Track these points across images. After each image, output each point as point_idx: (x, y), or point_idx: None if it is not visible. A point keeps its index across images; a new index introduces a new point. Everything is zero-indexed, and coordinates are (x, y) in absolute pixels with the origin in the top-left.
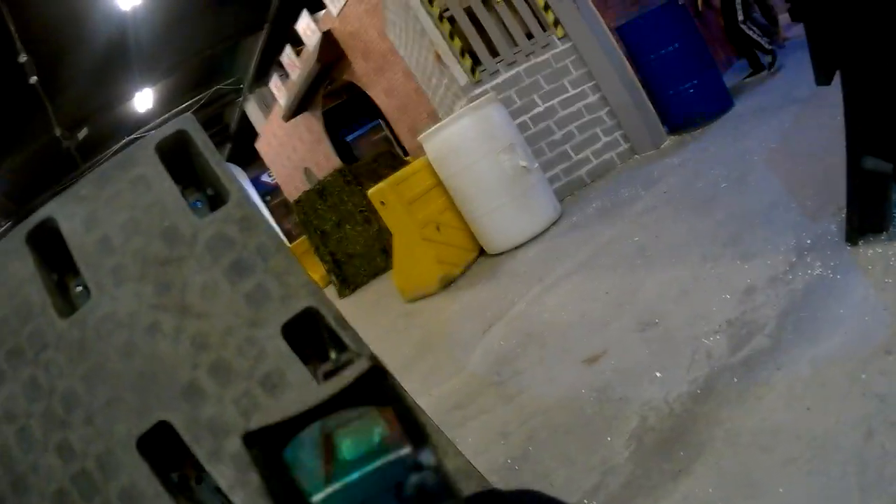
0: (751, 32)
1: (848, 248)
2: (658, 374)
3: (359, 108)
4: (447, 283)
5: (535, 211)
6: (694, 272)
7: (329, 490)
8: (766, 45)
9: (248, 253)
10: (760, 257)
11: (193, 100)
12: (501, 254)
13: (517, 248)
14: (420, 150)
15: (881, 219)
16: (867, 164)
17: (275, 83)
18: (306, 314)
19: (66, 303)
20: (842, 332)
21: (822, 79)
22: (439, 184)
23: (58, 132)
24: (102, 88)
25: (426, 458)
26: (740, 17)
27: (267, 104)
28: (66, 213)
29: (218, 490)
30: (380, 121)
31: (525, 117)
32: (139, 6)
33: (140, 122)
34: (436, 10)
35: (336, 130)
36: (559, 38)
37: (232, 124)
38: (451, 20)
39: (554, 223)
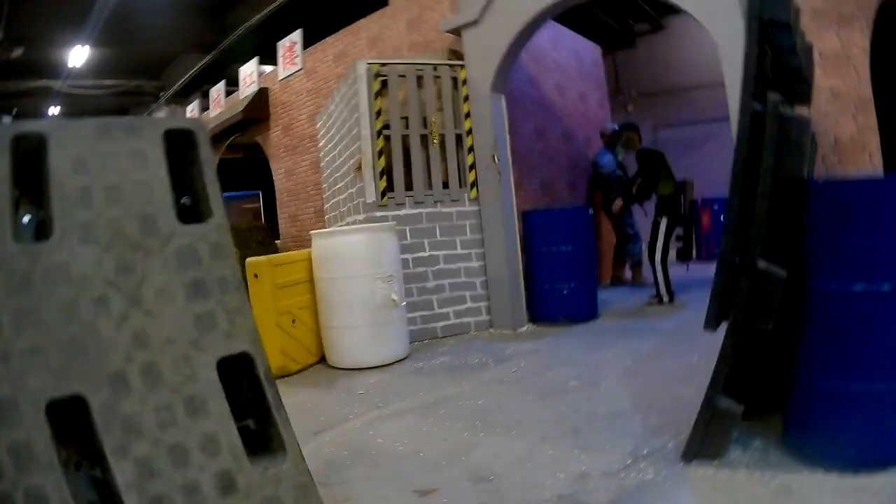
0: (659, 269)
1: (682, 464)
2: None
3: (247, 172)
4: (282, 375)
5: (388, 343)
6: (532, 447)
7: None
8: (662, 288)
9: (210, 278)
10: (598, 452)
11: (116, 82)
12: (342, 369)
13: (360, 370)
14: (291, 240)
15: (718, 448)
16: (721, 402)
17: (192, 109)
18: (242, 357)
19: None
20: None
21: (711, 325)
22: (311, 281)
23: (1, 35)
24: (54, 22)
25: None
26: (659, 245)
27: None
28: (60, 141)
29: (94, 482)
30: (259, 192)
31: (409, 256)
32: None
33: (63, 74)
34: (378, 125)
35: (220, 182)
36: (470, 199)
37: None
38: (387, 139)
39: (399, 360)
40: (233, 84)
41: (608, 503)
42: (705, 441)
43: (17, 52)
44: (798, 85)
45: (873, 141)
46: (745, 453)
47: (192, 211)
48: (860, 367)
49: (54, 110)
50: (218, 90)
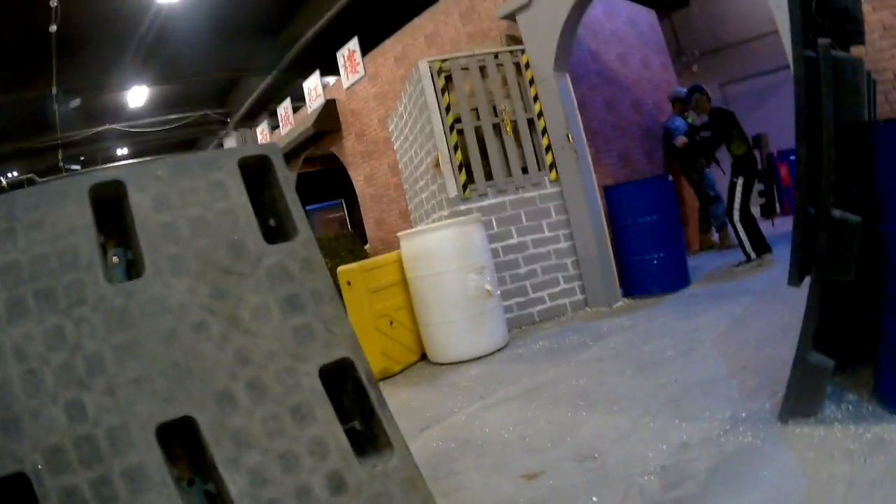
0: (739, 228)
1: (779, 424)
2: (594, 499)
3: (327, 182)
4: (384, 377)
5: (486, 333)
6: (633, 422)
7: None
8: (747, 247)
9: (303, 292)
10: (697, 420)
11: (180, 115)
12: (443, 364)
13: (461, 363)
14: (379, 243)
15: (812, 405)
16: (812, 358)
17: (262, 129)
18: (343, 363)
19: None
20: (763, 490)
21: (795, 280)
22: (403, 281)
23: (54, 90)
24: (107, 67)
25: None
26: (736, 206)
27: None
28: (138, 184)
29: (207, 496)
30: (342, 201)
31: (498, 245)
32: (174, 4)
33: (126, 117)
34: (450, 120)
35: (301, 196)
36: (551, 181)
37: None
38: (461, 133)
39: (500, 349)
40: (298, 99)
41: (709, 470)
42: (800, 399)
43: (76, 103)
44: (850, 25)
45: None
46: (839, 408)
47: (277, 231)
48: None
49: (122, 151)
50: (285, 108)
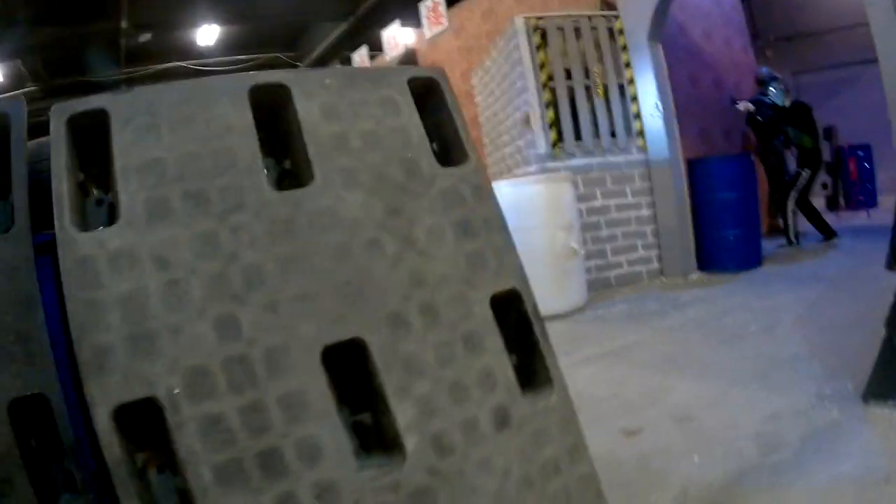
0: (790, 213)
1: (861, 404)
2: (696, 459)
3: None
4: None
5: (568, 292)
6: (724, 389)
7: None
8: (792, 232)
9: (476, 217)
10: (785, 394)
11: (250, 56)
12: None
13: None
14: None
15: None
16: None
17: None
18: (512, 294)
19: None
20: (851, 462)
21: (894, 265)
22: None
23: (124, 24)
24: (179, 2)
25: None
26: (793, 194)
27: None
28: (304, 89)
29: (359, 428)
30: None
31: (583, 205)
32: None
33: (195, 55)
34: (543, 77)
35: None
36: (638, 148)
37: None
38: (553, 91)
39: (579, 310)
40: (374, 49)
41: (801, 439)
42: (884, 381)
43: (146, 37)
44: None
45: None
46: None
47: (445, 155)
48: None
49: None
50: (361, 56)
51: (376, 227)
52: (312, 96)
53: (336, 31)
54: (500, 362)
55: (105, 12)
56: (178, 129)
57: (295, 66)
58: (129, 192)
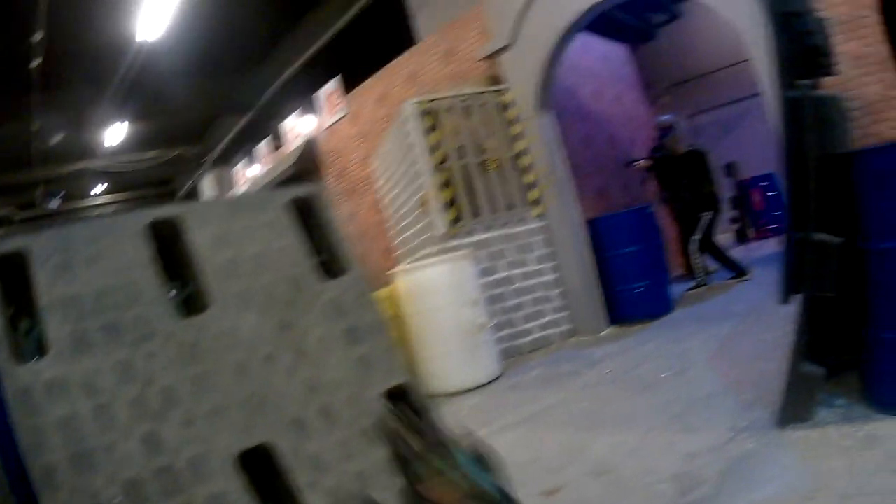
0: (694, 256)
1: (777, 430)
2: None
3: None
4: None
5: (481, 365)
6: (641, 438)
7: None
8: (700, 274)
9: (362, 324)
10: (701, 431)
11: (157, 153)
12: (441, 395)
13: (458, 393)
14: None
15: (808, 411)
16: (805, 368)
17: (240, 170)
18: (402, 389)
19: None
20: (771, 487)
21: (784, 299)
22: (398, 316)
23: (35, 126)
24: (86, 105)
25: None
26: (696, 237)
27: (223, 186)
28: (196, 221)
29: None
30: None
31: (486, 279)
32: (154, 43)
33: (105, 153)
34: (436, 159)
35: None
36: (536, 216)
37: (181, 191)
38: (447, 171)
39: (494, 380)
40: (276, 139)
41: (719, 473)
42: (795, 406)
43: (57, 139)
44: (820, 59)
45: None
46: (832, 412)
47: (328, 267)
48: None
49: (100, 187)
50: (263, 147)
51: (271, 343)
52: (204, 226)
53: (239, 124)
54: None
55: (15, 115)
56: (90, 267)
57: (200, 162)
58: (54, 326)
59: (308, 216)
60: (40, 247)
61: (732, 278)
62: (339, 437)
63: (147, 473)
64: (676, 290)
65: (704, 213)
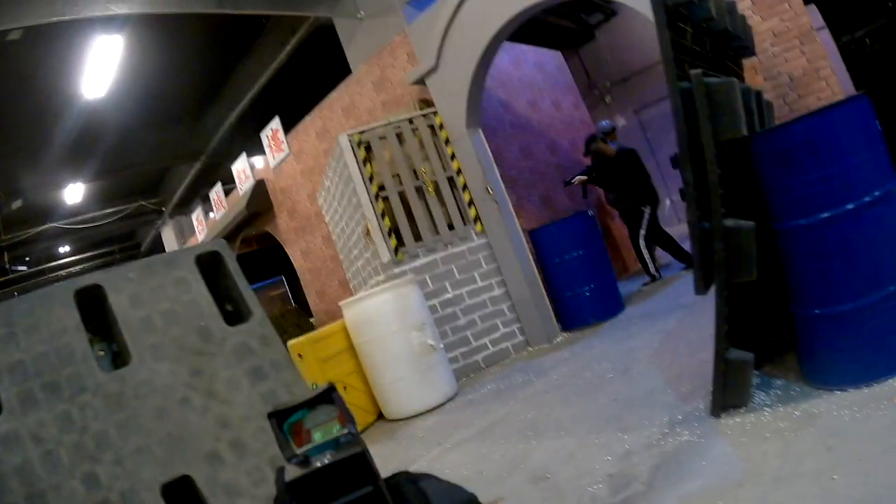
0: (643, 251)
1: (712, 419)
2: None
3: (266, 261)
4: None
5: (435, 386)
6: (580, 441)
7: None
8: (651, 269)
9: (265, 363)
10: (638, 430)
11: (117, 209)
12: (399, 420)
13: (415, 416)
14: (324, 314)
15: (742, 396)
16: (731, 355)
17: (198, 216)
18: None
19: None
20: (703, 476)
21: (701, 289)
22: (351, 348)
23: None
24: (43, 167)
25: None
26: (642, 233)
27: (184, 233)
28: (114, 286)
29: None
30: (282, 277)
31: (435, 301)
32: (100, 100)
33: (66, 213)
34: (374, 188)
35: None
36: (477, 234)
37: (144, 244)
38: (386, 199)
39: (450, 399)
40: (228, 182)
41: (652, 469)
42: (727, 393)
43: (17, 204)
44: (735, 42)
45: (826, 66)
46: (769, 394)
47: (234, 314)
48: (845, 287)
49: (64, 248)
50: (217, 192)
51: (184, 388)
52: (121, 290)
53: (192, 172)
54: None
55: None
56: (29, 334)
57: (160, 212)
58: (4, 388)
59: (213, 271)
60: None
61: (685, 269)
62: (249, 466)
63: None
64: (633, 287)
65: (644, 208)
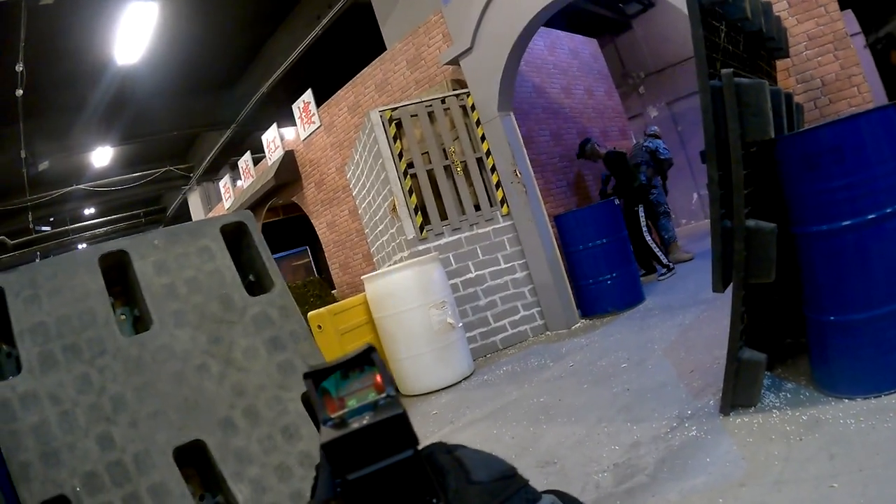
0: (652, 245)
1: (721, 417)
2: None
3: (291, 230)
4: None
5: (452, 364)
6: (589, 429)
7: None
8: (664, 261)
9: (283, 334)
10: (647, 422)
11: (144, 173)
12: (415, 395)
13: (431, 393)
14: (346, 287)
15: (752, 397)
16: (744, 355)
17: (225, 184)
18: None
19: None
20: (707, 473)
21: (719, 287)
22: (371, 322)
23: (23, 153)
24: (72, 130)
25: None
26: (643, 228)
27: (210, 200)
28: (139, 252)
29: None
30: (307, 248)
31: (457, 280)
32: (133, 66)
33: (92, 176)
34: (402, 165)
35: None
36: (503, 216)
37: (170, 209)
38: (414, 177)
39: (466, 378)
40: (258, 151)
41: (658, 462)
42: (737, 392)
43: (44, 165)
44: (769, 43)
45: (859, 73)
46: (778, 396)
47: (256, 285)
48: (860, 296)
49: (90, 210)
50: (245, 161)
51: (203, 354)
52: (146, 257)
53: (222, 140)
54: (316, 445)
55: (4, 144)
56: (52, 297)
57: (188, 178)
58: (25, 348)
59: (237, 241)
60: (13, 283)
61: (643, 274)
62: (261, 434)
63: (101, 467)
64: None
65: (636, 208)
